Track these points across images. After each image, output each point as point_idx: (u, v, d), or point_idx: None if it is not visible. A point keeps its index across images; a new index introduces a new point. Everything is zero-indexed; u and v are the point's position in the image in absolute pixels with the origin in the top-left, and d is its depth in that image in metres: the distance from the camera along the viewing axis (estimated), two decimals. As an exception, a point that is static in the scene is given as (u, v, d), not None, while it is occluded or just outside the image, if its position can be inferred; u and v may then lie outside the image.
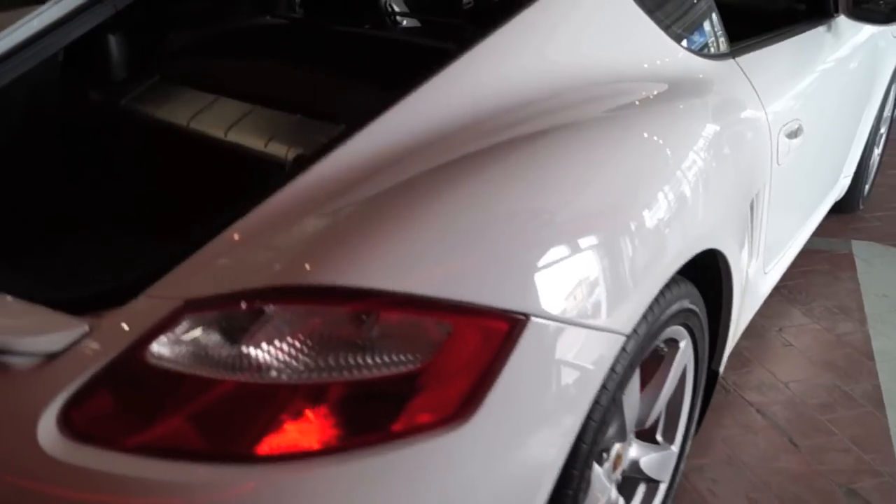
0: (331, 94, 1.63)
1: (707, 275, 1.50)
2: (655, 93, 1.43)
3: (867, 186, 3.36)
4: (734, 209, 1.50)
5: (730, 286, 1.53)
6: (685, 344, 1.45)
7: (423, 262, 0.96)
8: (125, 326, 0.96)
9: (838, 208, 3.19)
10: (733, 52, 1.76)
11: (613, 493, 1.41)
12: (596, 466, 1.31)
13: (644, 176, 1.24)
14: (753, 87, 1.71)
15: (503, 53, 1.30)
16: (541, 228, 1.06)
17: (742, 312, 1.79)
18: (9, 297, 1.02)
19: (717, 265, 1.49)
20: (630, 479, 1.54)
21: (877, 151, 3.32)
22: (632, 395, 1.30)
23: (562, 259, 1.05)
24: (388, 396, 0.92)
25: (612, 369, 1.13)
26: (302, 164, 1.10)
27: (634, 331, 1.16)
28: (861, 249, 3.08)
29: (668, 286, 1.26)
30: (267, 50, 1.95)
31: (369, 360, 0.92)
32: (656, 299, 1.21)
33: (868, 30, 2.57)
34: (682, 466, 1.66)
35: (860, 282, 2.83)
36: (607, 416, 1.16)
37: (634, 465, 1.49)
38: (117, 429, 0.92)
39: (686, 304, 1.34)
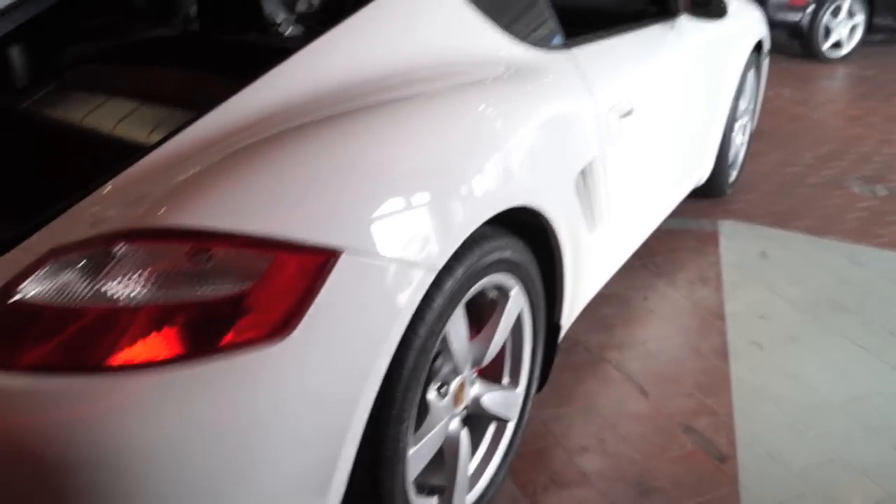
0: (197, 89, 1.82)
1: (541, 239, 1.73)
2: (491, 76, 1.66)
3: (734, 173, 3.67)
4: (557, 175, 1.73)
5: (557, 244, 1.75)
6: (516, 293, 1.67)
7: (251, 204, 1.15)
8: None
9: (707, 193, 3.50)
10: (569, 45, 2.00)
11: (455, 424, 1.62)
12: (436, 398, 1.52)
13: (468, 140, 1.46)
14: (584, 73, 1.96)
15: (352, 42, 1.52)
16: (358, 178, 1.26)
17: (583, 274, 2.02)
18: None
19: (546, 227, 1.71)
20: (478, 417, 1.75)
21: (741, 140, 3.64)
22: (458, 332, 1.51)
23: (377, 204, 1.25)
24: (218, 316, 1.11)
25: (428, 303, 1.34)
26: (162, 141, 1.29)
27: (447, 269, 1.37)
28: (726, 227, 3.38)
29: (486, 236, 1.48)
30: (152, 58, 2.15)
31: (205, 288, 1.11)
32: (472, 245, 1.43)
33: (713, 29, 2.86)
34: (528, 407, 1.88)
35: (721, 255, 3.12)
36: (428, 345, 1.36)
37: (476, 402, 1.69)
38: None
39: (507, 254, 1.56)
